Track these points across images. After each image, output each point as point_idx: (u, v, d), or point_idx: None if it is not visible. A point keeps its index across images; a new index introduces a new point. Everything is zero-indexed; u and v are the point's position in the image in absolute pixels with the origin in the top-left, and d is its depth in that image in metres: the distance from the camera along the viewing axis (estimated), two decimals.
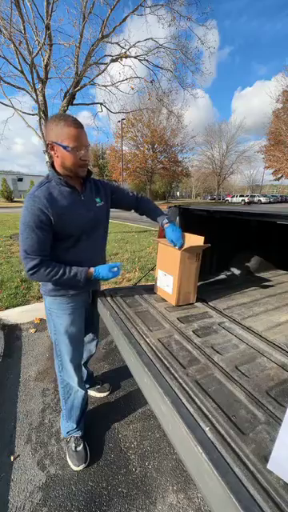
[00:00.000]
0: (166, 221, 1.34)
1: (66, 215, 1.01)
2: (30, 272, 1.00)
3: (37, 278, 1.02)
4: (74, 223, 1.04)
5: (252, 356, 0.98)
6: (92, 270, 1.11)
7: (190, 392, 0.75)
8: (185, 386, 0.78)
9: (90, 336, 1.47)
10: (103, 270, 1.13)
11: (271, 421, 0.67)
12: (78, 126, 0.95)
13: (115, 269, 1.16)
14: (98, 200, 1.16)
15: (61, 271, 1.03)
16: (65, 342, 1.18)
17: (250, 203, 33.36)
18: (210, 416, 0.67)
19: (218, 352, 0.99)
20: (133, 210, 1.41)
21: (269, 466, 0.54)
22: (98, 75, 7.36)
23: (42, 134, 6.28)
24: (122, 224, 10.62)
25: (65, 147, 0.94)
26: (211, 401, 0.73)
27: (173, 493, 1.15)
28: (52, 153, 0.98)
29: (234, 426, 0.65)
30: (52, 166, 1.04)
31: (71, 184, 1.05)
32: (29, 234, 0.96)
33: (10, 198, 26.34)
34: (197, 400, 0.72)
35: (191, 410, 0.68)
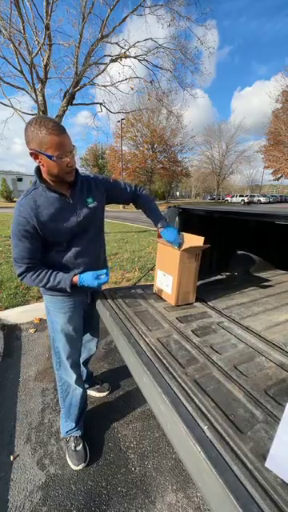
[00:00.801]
0: (160, 225, 1.35)
1: (52, 223, 1.00)
2: (19, 278, 1.06)
3: (26, 282, 1.07)
4: (61, 230, 1.03)
5: (251, 355, 0.99)
6: (76, 278, 1.09)
7: (189, 391, 0.76)
8: (184, 385, 0.78)
9: (89, 335, 1.48)
10: (87, 278, 1.09)
11: (269, 419, 0.67)
12: (61, 132, 0.89)
13: (102, 276, 1.11)
14: (89, 200, 1.12)
15: (45, 279, 1.05)
16: (61, 340, 1.19)
17: (249, 203, 33.39)
18: (208, 415, 0.67)
19: (216, 351, 0.99)
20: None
21: (267, 465, 0.55)
22: (97, 75, 7.36)
23: None
24: (121, 224, 10.62)
25: (49, 157, 0.89)
26: (210, 400, 0.73)
27: (172, 492, 1.15)
28: (37, 161, 0.94)
29: (232, 425, 0.65)
30: (37, 172, 1.01)
31: (58, 190, 1.02)
32: (16, 242, 1.00)
33: (9, 198, 26.34)
34: (195, 399, 0.73)
35: (190, 409, 0.68)
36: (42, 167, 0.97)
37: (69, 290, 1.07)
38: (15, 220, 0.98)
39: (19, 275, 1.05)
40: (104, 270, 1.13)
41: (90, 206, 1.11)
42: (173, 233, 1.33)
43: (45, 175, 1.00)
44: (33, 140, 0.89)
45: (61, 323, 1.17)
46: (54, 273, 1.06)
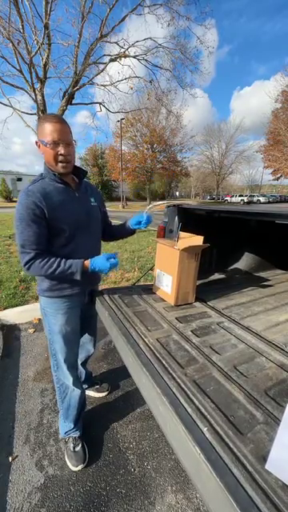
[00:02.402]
0: (127, 223, 1.36)
1: (59, 209, 1.02)
2: (26, 266, 1.01)
3: (33, 271, 1.02)
4: (68, 218, 1.05)
5: (251, 356, 0.98)
6: (88, 262, 1.09)
7: (188, 392, 0.75)
8: (183, 385, 0.77)
9: (87, 336, 1.47)
10: (99, 261, 1.09)
11: (270, 421, 0.67)
12: (58, 121, 0.98)
13: (112, 259, 1.11)
14: (92, 199, 1.20)
15: (55, 264, 1.02)
16: (59, 341, 1.18)
17: (249, 203, 33.39)
18: (208, 416, 0.67)
19: (216, 352, 0.98)
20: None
21: (267, 467, 0.54)
22: (97, 75, 7.35)
23: None
24: None
25: (44, 143, 0.98)
26: (209, 401, 0.72)
27: (171, 493, 1.15)
28: (39, 151, 1.03)
29: (232, 426, 0.64)
30: (45, 164, 1.07)
31: (65, 180, 1.08)
32: (24, 227, 0.98)
33: (9, 198, 26.28)
34: (195, 400, 0.72)
35: (189, 410, 0.68)
36: (43, 157, 1.03)
37: (79, 275, 1.05)
38: (23, 205, 0.96)
39: (27, 263, 1.00)
40: (113, 254, 1.14)
41: (92, 204, 1.19)
42: (135, 217, 1.31)
43: (46, 164, 1.05)
44: (38, 131, 1.00)
45: (58, 324, 1.16)
46: (64, 259, 1.05)
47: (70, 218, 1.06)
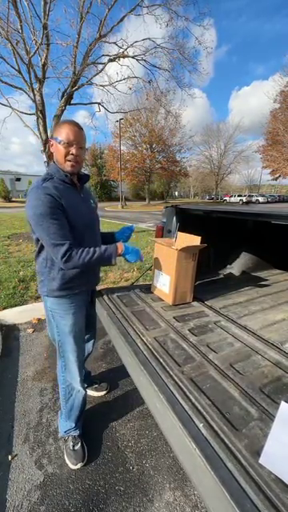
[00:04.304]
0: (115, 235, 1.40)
1: (72, 208, 1.05)
2: (64, 259, 0.98)
3: (72, 263, 1.00)
4: (79, 217, 1.08)
5: (247, 354, 0.99)
6: (121, 245, 1.13)
7: (185, 389, 0.76)
8: (180, 383, 0.79)
9: (88, 335, 1.48)
10: (132, 249, 1.16)
11: (264, 417, 0.68)
12: (76, 125, 1.04)
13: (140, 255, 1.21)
14: (91, 201, 1.24)
15: (91, 250, 1.03)
16: (70, 342, 1.18)
17: (247, 203, 33.45)
18: (204, 413, 0.68)
19: (213, 350, 1.00)
20: None
21: (261, 461, 0.56)
22: (95, 75, 7.34)
23: (40, 133, 6.26)
24: (120, 224, 10.61)
25: (57, 140, 1.03)
26: (206, 398, 0.74)
27: (170, 490, 1.16)
28: (52, 149, 1.08)
29: (227, 423, 0.66)
30: (54, 163, 1.11)
31: (73, 181, 1.11)
32: (49, 222, 0.96)
33: (7, 198, 26.22)
34: (192, 397, 0.73)
35: (186, 407, 0.69)
36: (53, 154, 1.08)
37: (114, 258, 1.09)
38: (42, 200, 0.95)
39: (64, 254, 0.97)
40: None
41: (92, 205, 1.24)
42: (125, 232, 1.39)
43: (55, 162, 1.09)
44: (54, 131, 1.07)
45: (68, 325, 1.16)
46: (93, 247, 1.07)
47: (80, 217, 1.09)
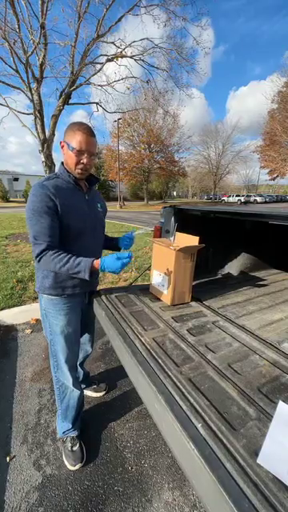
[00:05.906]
0: (114, 241, 1.39)
1: (70, 208, 1.06)
2: (38, 257, 1.02)
3: (44, 264, 1.02)
4: (77, 217, 1.08)
5: (245, 354, 1.00)
6: (98, 261, 1.05)
7: (184, 390, 0.76)
8: (178, 383, 0.79)
9: (86, 336, 1.48)
10: (109, 261, 1.04)
11: (262, 417, 0.69)
12: (89, 133, 1.04)
13: (124, 259, 1.06)
14: (99, 205, 1.25)
15: (65, 258, 1.01)
16: (60, 342, 1.19)
17: (245, 203, 33.58)
18: (202, 413, 0.68)
19: (211, 350, 1.00)
20: None
21: (259, 461, 0.56)
22: (93, 75, 7.33)
23: (38, 133, 6.24)
24: (119, 224, 10.61)
25: (70, 147, 1.03)
26: (204, 398, 0.74)
27: (168, 490, 1.16)
28: (62, 151, 1.09)
29: (225, 423, 0.66)
30: (62, 164, 1.13)
31: (78, 183, 1.12)
32: (37, 219, 0.99)
33: (5, 198, 26.10)
34: (190, 397, 0.73)
35: (184, 407, 0.69)
36: (63, 156, 1.10)
37: (87, 274, 1.02)
38: (37, 198, 0.98)
39: (39, 254, 1.01)
40: (128, 253, 1.10)
41: (99, 209, 1.25)
42: (124, 240, 1.35)
43: (64, 165, 1.11)
44: (66, 134, 1.06)
45: (60, 325, 1.17)
46: (75, 256, 1.04)
47: (78, 218, 1.09)
